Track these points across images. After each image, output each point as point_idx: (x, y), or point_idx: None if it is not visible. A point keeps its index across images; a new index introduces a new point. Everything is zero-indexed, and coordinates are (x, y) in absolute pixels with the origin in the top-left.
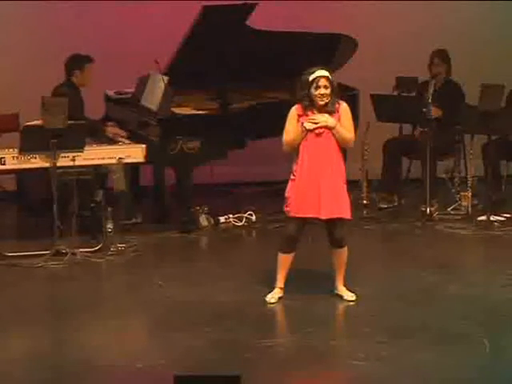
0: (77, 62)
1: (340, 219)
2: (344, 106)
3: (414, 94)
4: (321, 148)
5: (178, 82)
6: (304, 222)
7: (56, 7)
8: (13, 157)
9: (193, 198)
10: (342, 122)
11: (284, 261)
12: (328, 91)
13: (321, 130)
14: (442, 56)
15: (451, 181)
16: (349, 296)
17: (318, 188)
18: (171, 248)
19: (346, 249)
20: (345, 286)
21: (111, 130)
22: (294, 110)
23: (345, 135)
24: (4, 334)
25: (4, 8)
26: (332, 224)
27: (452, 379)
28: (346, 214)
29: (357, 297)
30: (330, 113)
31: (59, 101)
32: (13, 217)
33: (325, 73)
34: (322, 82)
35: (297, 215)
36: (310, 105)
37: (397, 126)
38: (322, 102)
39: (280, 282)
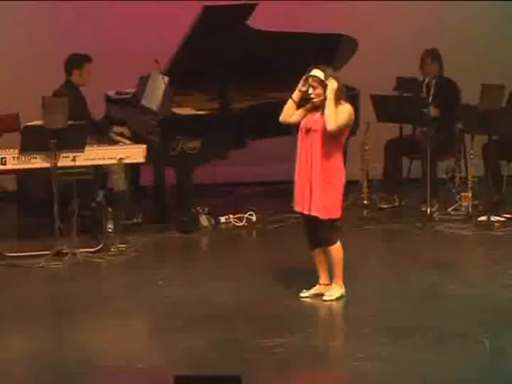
0: (76, 62)
1: (317, 218)
2: (343, 105)
3: (415, 94)
4: (307, 146)
5: (178, 82)
6: (309, 217)
7: (56, 7)
8: (13, 157)
9: (193, 198)
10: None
11: (313, 256)
12: (317, 91)
13: (308, 126)
14: (433, 55)
15: (451, 181)
16: (326, 294)
17: (302, 184)
18: (171, 248)
19: (330, 248)
20: (337, 284)
21: (117, 129)
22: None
23: (330, 111)
24: (4, 334)
25: (4, 8)
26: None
27: (452, 379)
28: (316, 212)
29: (356, 297)
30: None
31: (59, 101)
32: (13, 217)
33: (315, 72)
34: (310, 81)
35: (295, 209)
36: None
37: (397, 127)
38: (313, 100)
39: (319, 277)
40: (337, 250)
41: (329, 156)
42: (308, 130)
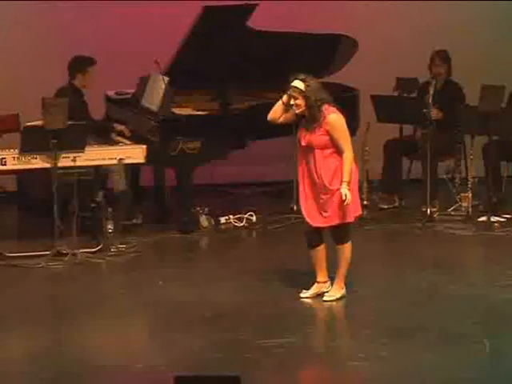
0: (79, 65)
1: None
2: (329, 119)
3: (414, 94)
4: (310, 163)
5: (178, 82)
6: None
7: (56, 7)
8: (13, 157)
9: (193, 199)
10: (335, 139)
11: (311, 255)
12: (298, 102)
13: (305, 143)
14: (443, 56)
15: (452, 181)
16: (326, 295)
17: (317, 200)
18: (171, 248)
19: (342, 247)
20: (339, 284)
21: (119, 128)
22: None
23: (350, 168)
24: (4, 334)
25: (4, 8)
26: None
27: (452, 379)
28: (339, 220)
29: (356, 297)
30: (313, 123)
31: (59, 101)
32: (13, 217)
33: (296, 83)
34: (291, 92)
35: (313, 224)
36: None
37: (397, 127)
38: (295, 111)
39: (317, 276)
40: (348, 248)
41: (333, 165)
42: (306, 147)
